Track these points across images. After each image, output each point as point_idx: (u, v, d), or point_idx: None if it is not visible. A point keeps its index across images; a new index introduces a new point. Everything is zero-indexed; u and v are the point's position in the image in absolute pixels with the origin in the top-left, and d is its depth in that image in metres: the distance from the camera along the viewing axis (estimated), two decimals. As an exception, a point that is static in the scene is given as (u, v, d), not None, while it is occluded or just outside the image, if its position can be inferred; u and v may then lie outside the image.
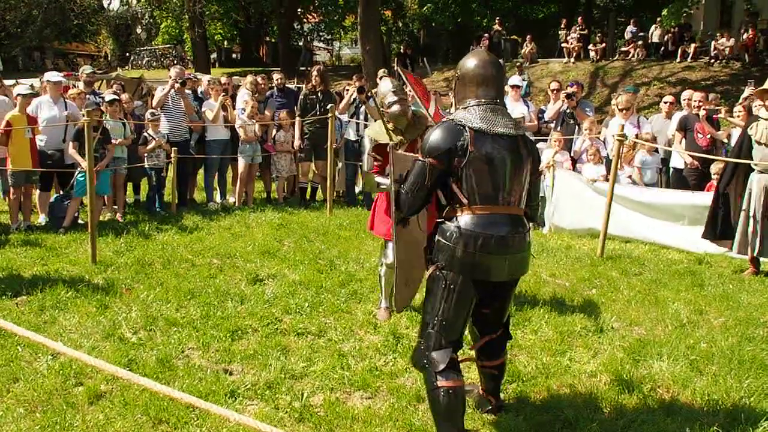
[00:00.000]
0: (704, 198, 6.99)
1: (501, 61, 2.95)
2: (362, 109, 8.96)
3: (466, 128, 2.92)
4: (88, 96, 8.32)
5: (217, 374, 3.67)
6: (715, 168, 7.19)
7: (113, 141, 7.56)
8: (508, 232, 2.94)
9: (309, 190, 9.45)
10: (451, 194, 2.99)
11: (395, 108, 4.33)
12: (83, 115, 5.98)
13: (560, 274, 5.88)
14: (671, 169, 8.12)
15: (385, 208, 4.41)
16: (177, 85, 8.21)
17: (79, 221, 7.43)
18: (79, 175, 7.06)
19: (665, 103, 8.67)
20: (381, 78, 7.24)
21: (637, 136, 7.66)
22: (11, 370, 3.67)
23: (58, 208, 7.39)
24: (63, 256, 6.04)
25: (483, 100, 3.00)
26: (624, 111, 8.14)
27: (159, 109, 8.23)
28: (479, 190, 2.93)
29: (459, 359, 3.05)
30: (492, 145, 2.93)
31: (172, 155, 8.02)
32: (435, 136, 2.97)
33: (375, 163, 4.42)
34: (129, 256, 6.05)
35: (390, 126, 4.19)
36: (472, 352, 3.37)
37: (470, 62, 3.06)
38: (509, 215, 2.99)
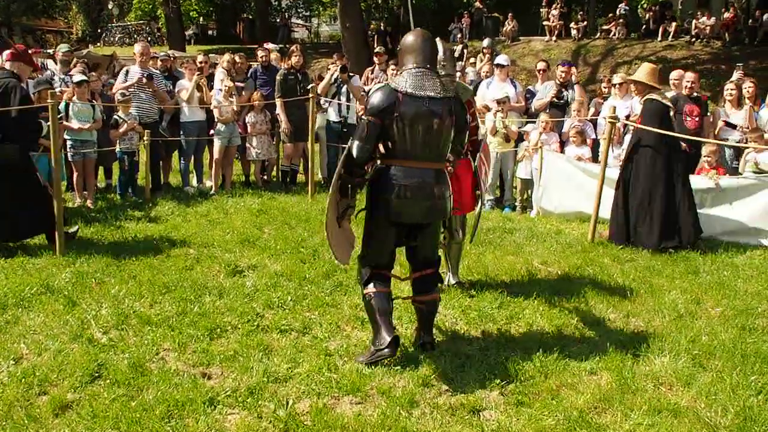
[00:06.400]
0: (694, 181, 6.84)
1: (437, 39, 3.85)
2: (344, 89, 8.62)
3: (398, 92, 3.49)
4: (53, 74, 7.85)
5: (194, 379, 3.40)
6: (706, 150, 7.02)
7: (76, 124, 7.19)
8: (421, 183, 3.53)
9: (290, 173, 9.13)
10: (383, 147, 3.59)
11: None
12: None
13: (552, 261, 5.69)
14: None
15: (470, 181, 4.66)
16: (144, 80, 7.79)
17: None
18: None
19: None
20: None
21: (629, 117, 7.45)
22: (-32, 378, 3.36)
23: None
24: (26, 248, 5.66)
25: (414, 65, 3.57)
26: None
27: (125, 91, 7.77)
28: (401, 145, 3.53)
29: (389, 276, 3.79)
30: (417, 107, 3.48)
31: (145, 138, 7.63)
32: (374, 98, 3.55)
33: None
34: (99, 247, 5.71)
35: None
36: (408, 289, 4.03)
37: (407, 37, 3.70)
38: (425, 169, 3.57)
